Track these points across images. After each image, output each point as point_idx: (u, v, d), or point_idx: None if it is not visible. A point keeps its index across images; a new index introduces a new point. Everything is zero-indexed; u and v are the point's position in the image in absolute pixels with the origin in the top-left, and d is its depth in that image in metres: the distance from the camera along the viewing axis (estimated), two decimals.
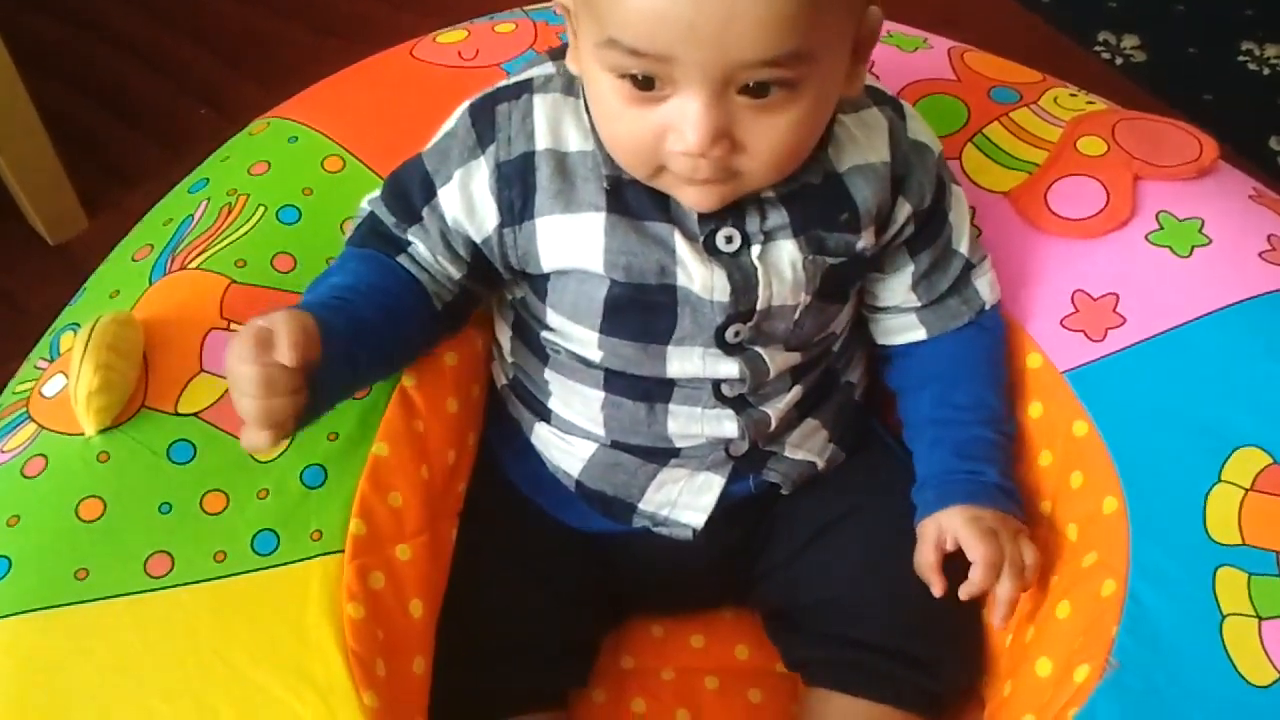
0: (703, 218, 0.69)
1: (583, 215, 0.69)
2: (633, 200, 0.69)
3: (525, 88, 0.71)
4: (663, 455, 0.77)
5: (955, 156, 0.85)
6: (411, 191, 0.72)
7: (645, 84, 0.61)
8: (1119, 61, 1.59)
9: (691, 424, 0.75)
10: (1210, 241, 0.79)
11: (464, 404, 0.80)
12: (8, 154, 1.29)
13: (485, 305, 0.80)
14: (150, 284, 0.77)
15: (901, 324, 0.79)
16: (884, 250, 0.75)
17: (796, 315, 0.72)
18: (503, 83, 0.72)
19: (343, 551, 0.68)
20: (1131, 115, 0.88)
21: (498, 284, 0.76)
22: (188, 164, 0.89)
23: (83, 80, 1.53)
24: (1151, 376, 0.75)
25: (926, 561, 0.74)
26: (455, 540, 0.77)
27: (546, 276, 0.72)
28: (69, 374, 0.69)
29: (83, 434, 0.69)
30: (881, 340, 0.81)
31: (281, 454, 0.70)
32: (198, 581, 0.65)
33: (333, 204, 0.81)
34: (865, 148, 0.72)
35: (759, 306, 0.71)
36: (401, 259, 0.73)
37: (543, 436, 0.80)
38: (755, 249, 0.70)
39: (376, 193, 0.75)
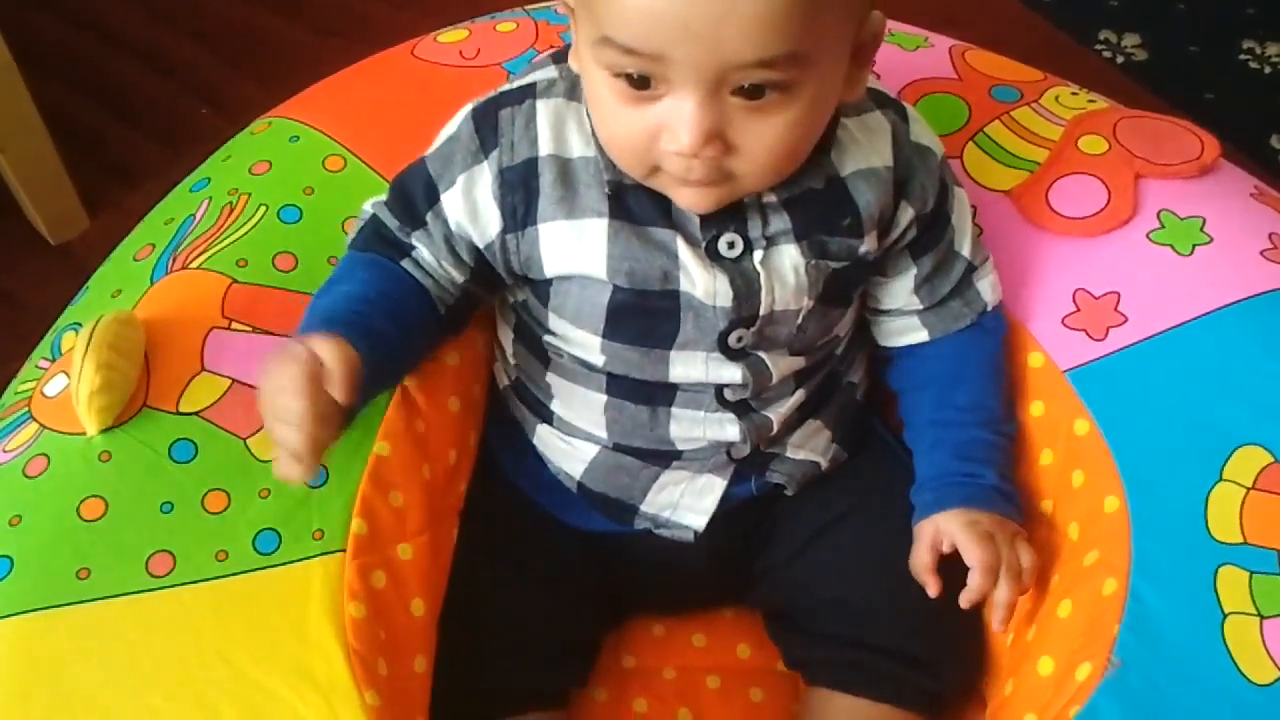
0: (705, 223, 0.69)
1: (585, 221, 0.69)
2: (635, 206, 0.69)
3: (528, 92, 0.71)
4: (664, 458, 0.77)
5: (956, 155, 0.85)
6: (415, 195, 0.72)
7: (640, 83, 0.61)
8: (1120, 60, 1.59)
9: (693, 427, 0.75)
10: (1212, 240, 0.79)
11: (465, 404, 0.80)
12: (9, 153, 1.29)
13: (487, 306, 0.80)
14: (152, 283, 0.77)
15: (903, 326, 0.79)
16: (886, 254, 0.75)
17: (799, 320, 0.72)
18: (505, 87, 0.72)
19: (344, 551, 0.68)
20: (1133, 114, 0.88)
21: (500, 287, 0.76)
22: (189, 163, 0.89)
23: (84, 80, 1.53)
24: (1153, 375, 0.75)
25: (922, 563, 0.74)
26: (456, 539, 0.77)
27: (549, 282, 0.72)
28: (71, 374, 0.69)
29: (84, 433, 0.69)
30: (883, 342, 0.81)
31: None
32: (199, 581, 0.65)
33: (334, 203, 0.81)
34: (868, 151, 0.72)
35: (761, 311, 0.71)
36: (405, 263, 0.73)
37: (544, 438, 0.80)
38: (758, 254, 0.70)
39: (380, 196, 0.75)
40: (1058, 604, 0.72)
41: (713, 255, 0.70)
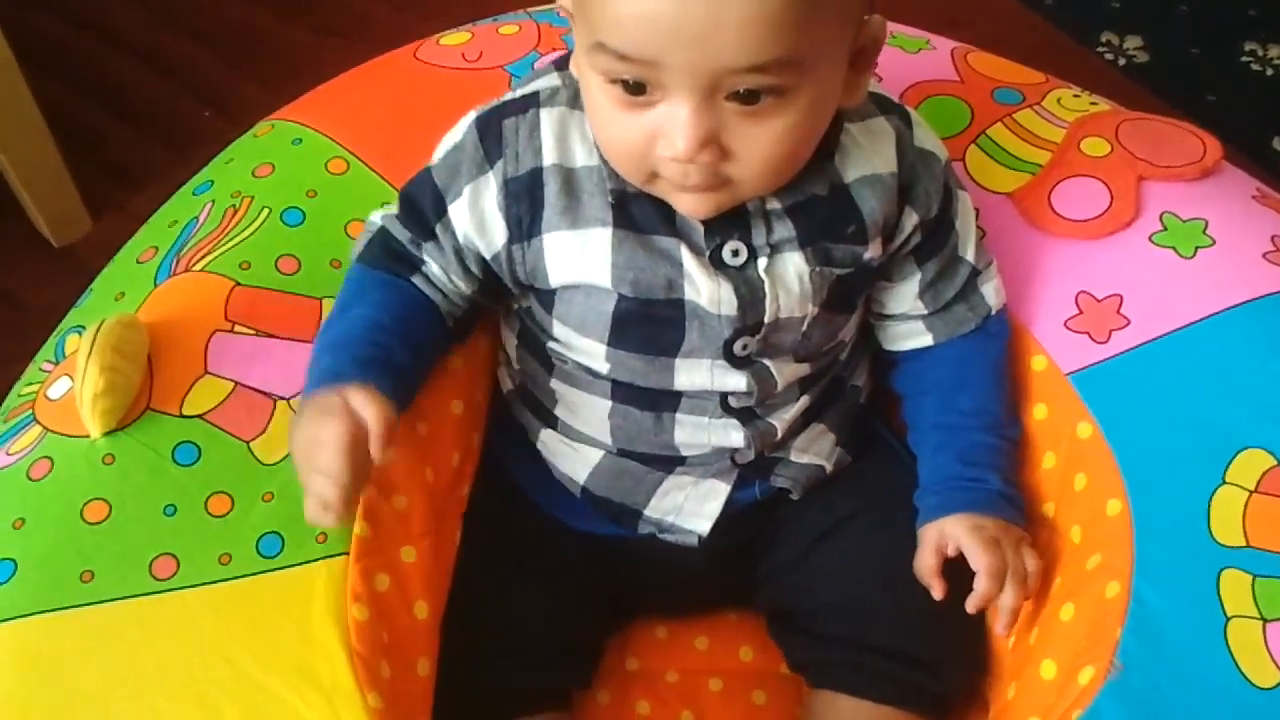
0: (709, 231, 0.69)
1: (589, 231, 0.69)
2: (639, 214, 0.69)
3: (532, 101, 0.70)
4: (668, 463, 0.77)
5: (959, 158, 0.85)
6: (424, 207, 0.72)
7: (635, 89, 0.61)
8: (1122, 62, 1.59)
9: (698, 434, 0.75)
10: (1214, 242, 0.79)
11: (469, 406, 0.80)
12: (12, 155, 1.29)
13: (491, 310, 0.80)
14: (155, 286, 0.77)
15: (908, 330, 0.79)
16: (891, 259, 0.75)
17: (804, 327, 0.72)
18: (508, 96, 0.72)
19: (347, 554, 0.68)
20: (1135, 116, 0.88)
21: (506, 296, 0.76)
22: (192, 166, 0.90)
23: (86, 81, 1.53)
24: (1155, 378, 0.75)
25: (927, 565, 0.74)
26: (460, 542, 0.77)
27: (554, 291, 0.72)
28: (74, 376, 0.69)
29: (88, 436, 0.69)
30: (887, 346, 0.81)
31: (285, 456, 0.70)
32: (202, 584, 0.65)
33: (337, 206, 0.81)
34: (872, 157, 0.71)
35: (766, 319, 0.70)
36: (416, 279, 0.73)
37: (549, 443, 0.80)
38: (762, 262, 0.70)
39: (387, 209, 0.75)
40: (1060, 607, 0.72)
41: (717, 263, 0.69)
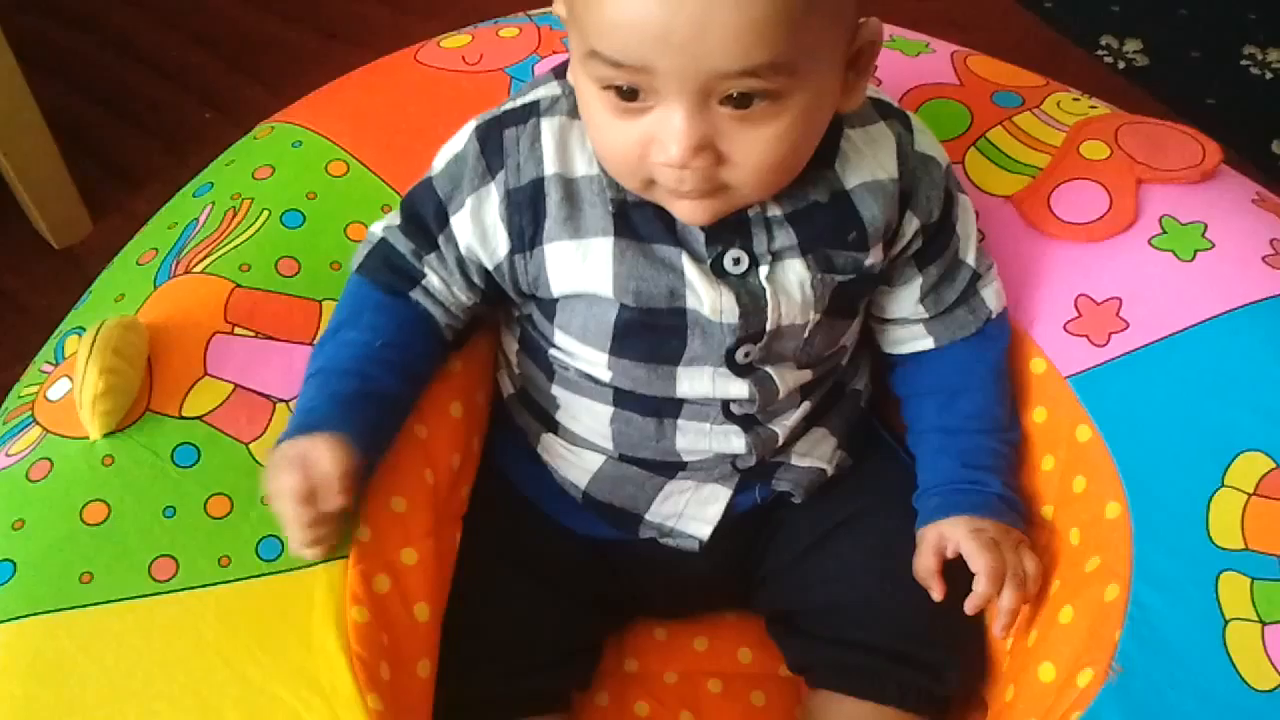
0: (710, 239, 0.69)
1: (591, 241, 0.69)
2: (640, 223, 0.69)
3: (532, 111, 0.70)
4: (670, 469, 0.77)
5: (958, 161, 0.85)
6: (427, 218, 0.72)
7: (629, 95, 0.61)
8: (1122, 65, 1.59)
9: (699, 440, 0.75)
10: (1213, 246, 0.79)
11: (468, 409, 0.80)
12: (13, 157, 1.30)
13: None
14: (155, 288, 0.77)
15: (909, 334, 0.79)
16: (892, 264, 0.75)
17: (806, 334, 0.72)
18: (508, 105, 0.72)
19: (347, 557, 0.68)
20: (1134, 119, 0.88)
21: (506, 305, 0.76)
22: (192, 168, 0.90)
23: (87, 83, 1.53)
24: (1155, 381, 0.75)
25: (926, 567, 0.74)
26: (460, 544, 0.77)
27: (556, 300, 0.72)
28: (74, 378, 0.69)
29: (87, 438, 0.69)
30: (888, 349, 0.81)
31: None
32: (202, 586, 0.65)
33: (337, 208, 0.81)
34: (872, 164, 0.71)
35: (768, 327, 0.70)
36: (415, 293, 0.73)
37: (549, 447, 0.80)
38: (763, 270, 0.69)
39: (388, 220, 0.75)
40: (1059, 610, 0.72)
41: (718, 272, 0.69)
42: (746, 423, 0.75)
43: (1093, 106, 0.90)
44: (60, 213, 1.35)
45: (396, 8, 1.63)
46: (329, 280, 0.77)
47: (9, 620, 0.64)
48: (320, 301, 0.77)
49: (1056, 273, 0.81)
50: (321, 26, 1.61)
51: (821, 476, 0.80)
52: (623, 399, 0.75)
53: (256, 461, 0.69)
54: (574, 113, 0.69)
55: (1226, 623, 0.66)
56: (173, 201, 0.87)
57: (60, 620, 0.64)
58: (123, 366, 0.69)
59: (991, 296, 0.78)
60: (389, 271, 0.73)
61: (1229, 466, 0.71)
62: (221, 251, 0.78)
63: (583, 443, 0.78)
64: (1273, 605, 0.66)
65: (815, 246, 0.70)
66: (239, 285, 0.76)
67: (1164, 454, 0.73)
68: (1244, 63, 1.60)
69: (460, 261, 0.72)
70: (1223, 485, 0.70)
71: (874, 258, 0.72)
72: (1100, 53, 1.61)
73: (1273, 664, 0.64)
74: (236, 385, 0.72)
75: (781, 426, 0.76)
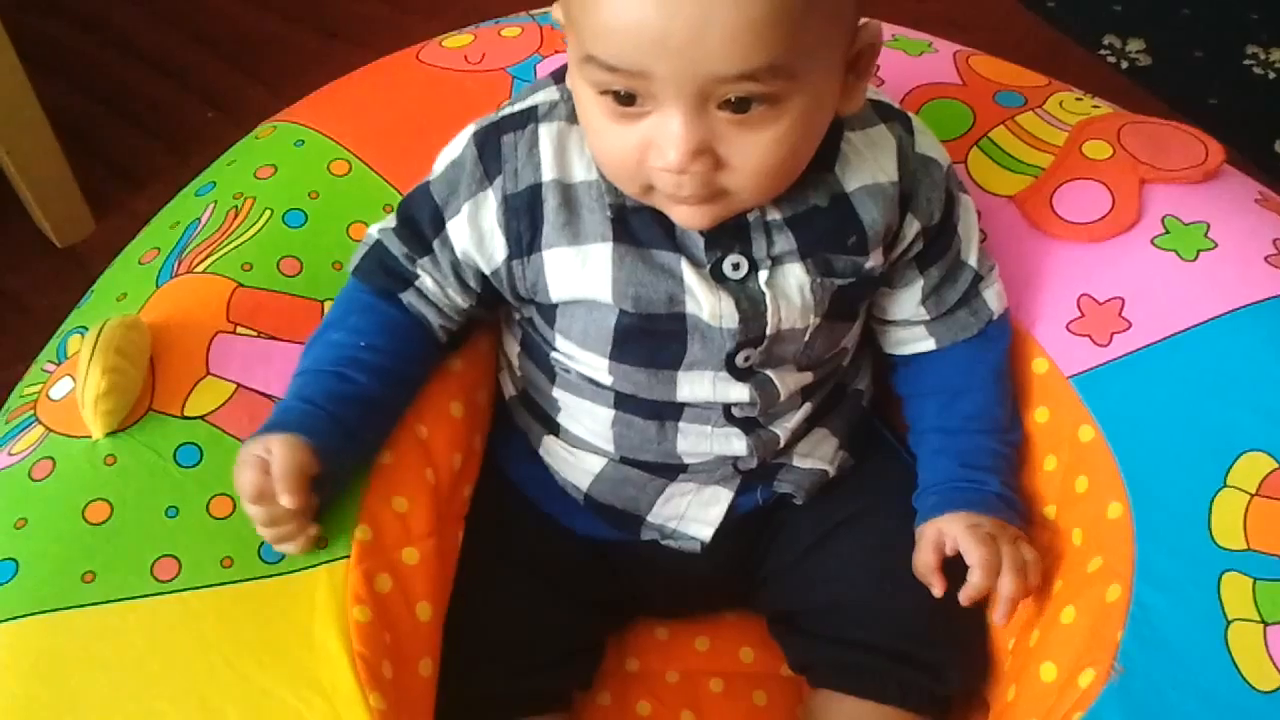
0: (709, 244, 0.69)
1: (590, 247, 0.69)
2: (639, 229, 0.69)
3: (530, 116, 0.70)
4: (671, 471, 0.77)
5: (961, 161, 0.85)
6: (422, 222, 0.72)
7: (626, 100, 0.61)
8: (1124, 65, 1.59)
9: (701, 442, 0.75)
10: (1216, 245, 0.79)
11: (469, 409, 0.80)
12: (15, 156, 1.30)
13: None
14: (157, 287, 0.77)
15: (910, 335, 0.79)
16: (893, 266, 0.75)
17: (806, 337, 0.72)
18: (506, 110, 0.72)
19: (349, 558, 0.68)
20: (1137, 119, 0.88)
21: (507, 307, 0.76)
22: (194, 167, 0.90)
23: (90, 83, 1.53)
24: (1157, 381, 0.75)
25: (926, 563, 0.74)
26: (462, 543, 0.77)
27: (555, 305, 0.72)
28: (76, 377, 0.69)
29: (90, 437, 0.69)
30: (890, 350, 0.81)
31: None
32: (205, 586, 0.65)
33: (339, 208, 0.81)
34: (873, 167, 0.71)
35: (768, 332, 0.70)
36: (407, 295, 0.73)
37: (551, 449, 0.80)
38: (763, 274, 0.69)
39: (385, 222, 0.75)
40: (1061, 610, 0.72)
41: (718, 277, 0.69)
42: (748, 425, 0.75)
43: (1095, 106, 0.90)
44: (63, 212, 1.36)
45: (398, 7, 1.63)
46: (331, 280, 0.77)
47: (11, 619, 0.64)
48: (322, 301, 0.77)
49: (1059, 272, 0.81)
50: (323, 26, 1.61)
51: (823, 477, 0.80)
52: (624, 402, 0.75)
53: None
54: (572, 118, 0.69)
55: (1228, 623, 0.66)
56: (175, 201, 0.87)
57: (62, 620, 0.64)
58: (125, 366, 0.69)
59: (993, 298, 0.78)
60: (382, 273, 0.73)
61: (1231, 467, 0.71)
62: (224, 251, 0.78)
63: (584, 445, 0.78)
64: (1275, 605, 0.66)
65: (815, 251, 0.70)
66: (241, 285, 0.76)
67: (1166, 454, 0.73)
68: (1247, 62, 1.60)
69: (455, 265, 0.72)
70: (1225, 485, 0.70)
71: (874, 261, 0.72)
72: (1103, 52, 1.61)
73: (1275, 664, 0.64)
74: (239, 385, 0.72)
75: (783, 428, 0.76)
